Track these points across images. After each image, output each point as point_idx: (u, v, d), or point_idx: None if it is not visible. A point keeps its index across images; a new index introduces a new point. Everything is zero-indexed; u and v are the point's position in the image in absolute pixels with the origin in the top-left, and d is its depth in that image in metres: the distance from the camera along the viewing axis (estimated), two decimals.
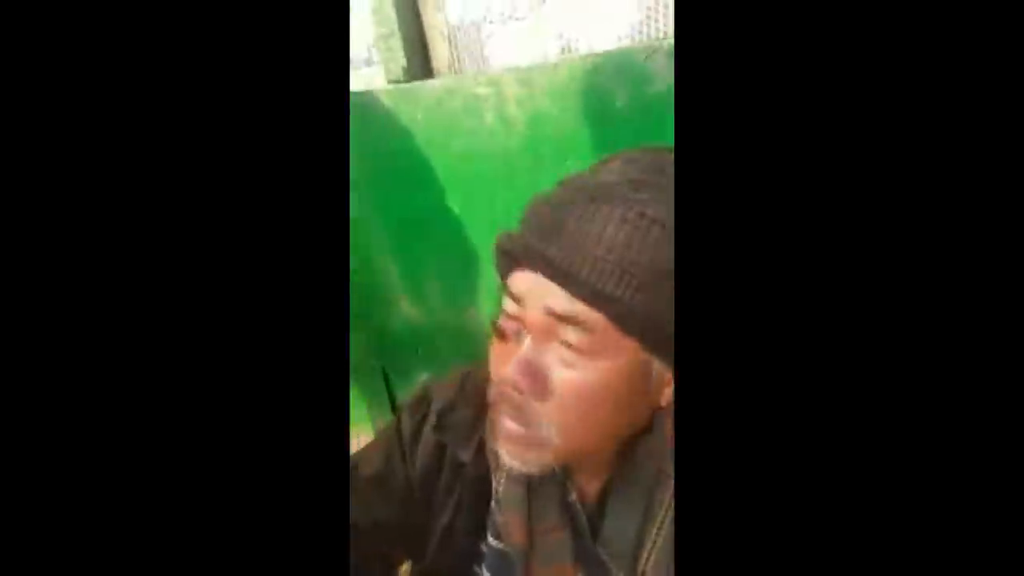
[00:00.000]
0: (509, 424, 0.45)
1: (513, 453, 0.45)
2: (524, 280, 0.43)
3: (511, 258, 0.44)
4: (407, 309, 1.18)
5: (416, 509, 0.58)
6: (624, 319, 0.40)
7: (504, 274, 0.45)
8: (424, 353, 1.18)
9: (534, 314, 0.42)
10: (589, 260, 0.40)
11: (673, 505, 0.49)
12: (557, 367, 0.42)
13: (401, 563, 0.64)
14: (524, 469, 0.46)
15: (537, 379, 0.42)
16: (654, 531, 0.48)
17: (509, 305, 0.44)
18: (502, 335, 0.45)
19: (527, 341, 0.43)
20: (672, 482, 0.48)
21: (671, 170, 0.42)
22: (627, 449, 0.50)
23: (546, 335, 0.42)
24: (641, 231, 0.39)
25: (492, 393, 0.47)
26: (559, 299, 0.41)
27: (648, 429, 0.49)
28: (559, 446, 0.44)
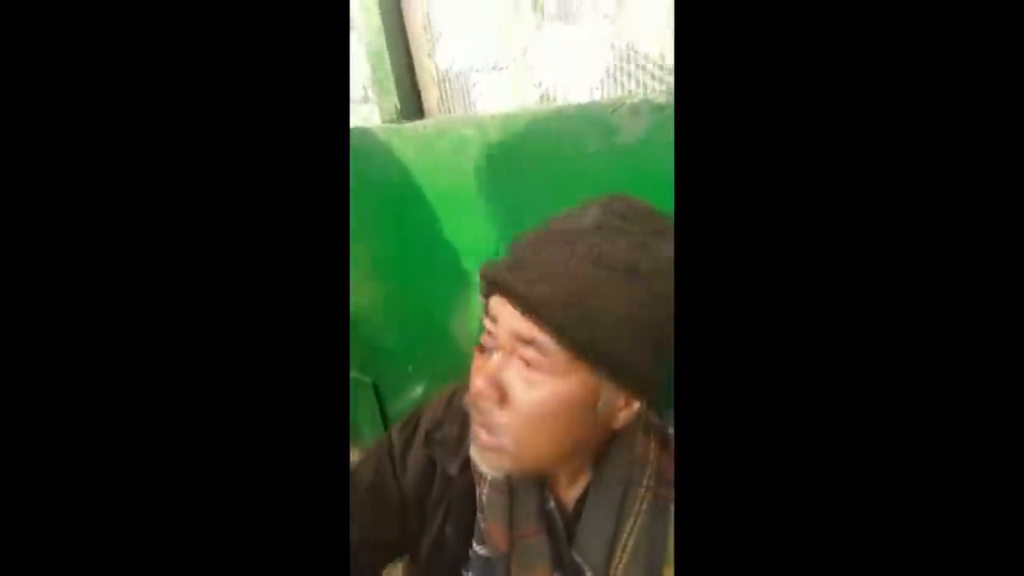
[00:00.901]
0: (478, 430, 0.49)
1: (480, 457, 0.50)
2: (498, 303, 0.47)
3: (491, 283, 0.48)
4: (398, 327, 1.22)
5: (409, 519, 0.61)
6: (574, 348, 0.44)
7: (486, 296, 0.50)
8: (415, 371, 1.23)
9: (503, 333, 0.47)
10: (549, 295, 0.43)
11: (643, 512, 0.51)
12: (516, 382, 0.46)
13: (387, 562, 0.67)
14: (488, 472, 0.50)
15: (499, 390, 0.47)
16: (624, 536, 0.51)
17: (488, 323, 0.49)
18: (482, 349, 0.50)
19: (496, 356, 0.47)
20: (643, 490, 0.51)
21: (640, 218, 0.47)
22: (600, 463, 0.54)
23: (511, 352, 0.46)
24: (601, 273, 0.43)
25: (466, 401, 0.51)
26: (522, 324, 0.45)
27: (618, 445, 0.53)
28: (515, 453, 0.47)
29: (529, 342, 0.45)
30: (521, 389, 0.47)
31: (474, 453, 0.51)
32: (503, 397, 0.47)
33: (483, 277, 0.49)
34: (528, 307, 0.44)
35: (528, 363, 0.46)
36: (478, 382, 0.48)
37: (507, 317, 0.46)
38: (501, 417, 0.47)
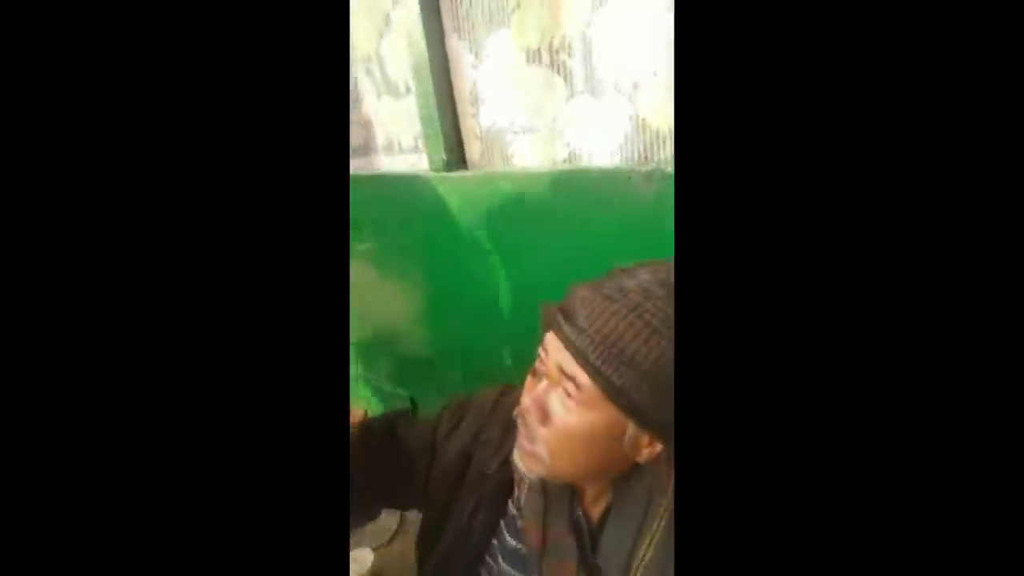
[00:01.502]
0: (522, 439, 0.57)
1: (521, 461, 0.58)
2: (551, 340, 0.55)
3: (547, 322, 0.56)
4: (433, 347, 1.36)
5: (433, 497, 0.68)
6: (607, 389, 0.51)
7: (544, 330, 0.57)
8: (449, 387, 1.36)
9: (551, 366, 0.54)
10: (591, 342, 0.50)
11: (660, 529, 0.58)
12: (557, 406, 0.54)
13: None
14: (525, 473, 0.58)
15: (542, 410, 0.55)
16: (642, 551, 0.57)
17: (542, 353, 0.56)
18: (535, 373, 0.58)
19: (544, 382, 0.56)
20: (661, 510, 0.58)
21: (672, 287, 0.50)
22: (625, 483, 0.59)
23: (556, 382, 0.54)
24: (635, 330, 0.50)
25: (516, 413, 0.59)
26: (567, 361, 0.52)
27: (641, 470, 0.58)
28: (549, 464, 0.56)
29: (571, 377, 0.53)
30: (560, 413, 0.54)
31: (516, 455, 0.59)
32: (545, 416, 0.56)
33: (542, 317, 0.58)
34: (572, 350, 0.52)
35: (568, 394, 0.53)
36: (526, 401, 0.57)
37: (556, 353, 0.55)
38: (541, 432, 0.56)
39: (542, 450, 0.56)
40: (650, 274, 0.53)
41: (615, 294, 0.52)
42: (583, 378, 0.52)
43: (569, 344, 0.52)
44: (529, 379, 0.60)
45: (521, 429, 0.59)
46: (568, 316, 0.54)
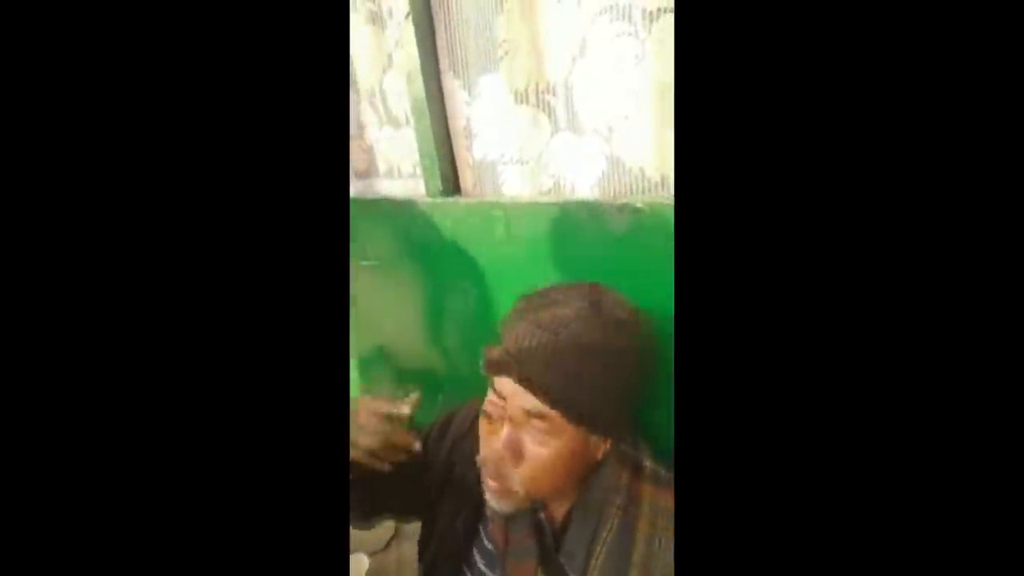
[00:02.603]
0: (489, 480, 0.64)
1: (493, 500, 0.65)
2: (507, 384, 0.61)
3: (498, 367, 0.62)
4: (431, 360, 1.43)
5: (426, 495, 0.75)
6: (567, 413, 0.59)
7: (492, 375, 0.63)
8: (445, 399, 1.43)
9: (514, 409, 0.61)
10: (550, 380, 0.58)
11: (613, 530, 0.64)
12: (529, 444, 0.61)
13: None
14: (499, 511, 0.66)
15: (515, 452, 0.61)
16: (599, 546, 0.65)
17: (495, 398, 0.63)
18: (489, 418, 0.64)
19: (507, 426, 0.62)
20: (614, 509, 0.65)
21: (609, 308, 0.60)
22: (585, 487, 0.67)
23: (520, 423, 0.62)
24: (578, 354, 0.58)
25: (480, 457, 0.64)
26: (530, 401, 0.60)
27: (600, 473, 0.66)
28: (522, 495, 0.64)
29: (538, 415, 0.61)
30: (533, 449, 0.61)
31: (487, 495, 0.65)
32: (518, 456, 0.62)
33: (492, 362, 0.62)
34: (537, 391, 0.60)
35: (538, 430, 0.61)
36: (497, 447, 0.62)
37: (516, 396, 0.61)
38: (514, 472, 0.62)
39: (515, 485, 0.62)
40: (580, 299, 0.60)
41: (556, 327, 0.58)
42: (549, 412, 0.59)
43: (532, 386, 0.58)
44: (484, 424, 0.64)
45: (486, 472, 0.64)
46: (522, 361, 0.59)
